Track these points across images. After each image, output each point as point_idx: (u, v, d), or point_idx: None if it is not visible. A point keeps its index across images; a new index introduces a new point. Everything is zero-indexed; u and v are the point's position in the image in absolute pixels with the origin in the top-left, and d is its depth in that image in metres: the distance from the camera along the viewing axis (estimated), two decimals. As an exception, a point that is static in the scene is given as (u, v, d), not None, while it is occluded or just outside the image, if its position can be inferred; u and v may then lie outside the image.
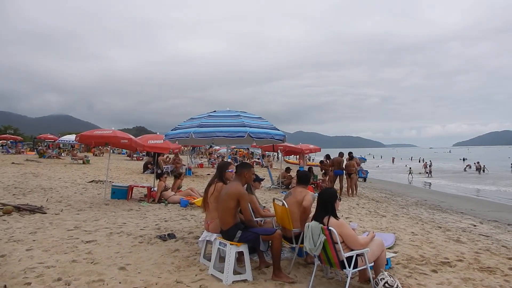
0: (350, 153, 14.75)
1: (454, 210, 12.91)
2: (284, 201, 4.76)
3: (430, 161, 40.72)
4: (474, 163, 41.81)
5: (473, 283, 4.38)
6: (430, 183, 27.76)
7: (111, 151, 28.98)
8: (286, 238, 4.77)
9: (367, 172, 25.63)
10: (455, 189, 23.07)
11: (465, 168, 42.72)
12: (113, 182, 12.22)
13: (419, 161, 56.51)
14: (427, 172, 34.50)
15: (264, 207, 6.21)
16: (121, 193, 10.30)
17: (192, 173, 19.72)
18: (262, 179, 6.50)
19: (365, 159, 31.23)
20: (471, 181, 29.42)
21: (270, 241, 4.36)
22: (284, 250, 5.19)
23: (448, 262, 5.18)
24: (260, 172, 20.92)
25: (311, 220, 4.05)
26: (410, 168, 34.95)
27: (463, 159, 61.49)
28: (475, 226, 9.22)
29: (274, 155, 39.38)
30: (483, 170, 38.40)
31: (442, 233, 7.52)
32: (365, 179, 24.24)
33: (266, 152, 33.85)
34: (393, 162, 60.92)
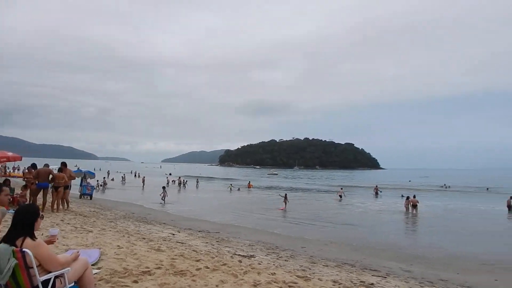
0: (62, 163, 13.55)
1: (158, 221, 14.14)
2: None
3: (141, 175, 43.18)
4: (178, 178, 47.44)
5: (168, 286, 4.89)
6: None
7: None
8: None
9: (92, 188, 23.72)
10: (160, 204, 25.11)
11: (171, 182, 47.56)
12: None
13: (135, 175, 60.97)
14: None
15: None
16: None
17: None
18: None
19: (94, 174, 28.97)
20: (176, 195, 33.01)
21: None
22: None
23: (149, 271, 5.55)
24: None
25: (0, 243, 3.39)
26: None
27: (169, 174, 69.26)
28: (174, 235, 10.41)
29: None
30: (184, 185, 43.84)
31: (146, 243, 8.01)
32: (91, 197, 22.55)
33: None
34: (108, 175, 60.33)
